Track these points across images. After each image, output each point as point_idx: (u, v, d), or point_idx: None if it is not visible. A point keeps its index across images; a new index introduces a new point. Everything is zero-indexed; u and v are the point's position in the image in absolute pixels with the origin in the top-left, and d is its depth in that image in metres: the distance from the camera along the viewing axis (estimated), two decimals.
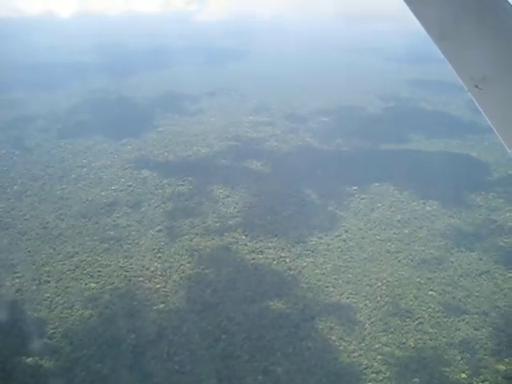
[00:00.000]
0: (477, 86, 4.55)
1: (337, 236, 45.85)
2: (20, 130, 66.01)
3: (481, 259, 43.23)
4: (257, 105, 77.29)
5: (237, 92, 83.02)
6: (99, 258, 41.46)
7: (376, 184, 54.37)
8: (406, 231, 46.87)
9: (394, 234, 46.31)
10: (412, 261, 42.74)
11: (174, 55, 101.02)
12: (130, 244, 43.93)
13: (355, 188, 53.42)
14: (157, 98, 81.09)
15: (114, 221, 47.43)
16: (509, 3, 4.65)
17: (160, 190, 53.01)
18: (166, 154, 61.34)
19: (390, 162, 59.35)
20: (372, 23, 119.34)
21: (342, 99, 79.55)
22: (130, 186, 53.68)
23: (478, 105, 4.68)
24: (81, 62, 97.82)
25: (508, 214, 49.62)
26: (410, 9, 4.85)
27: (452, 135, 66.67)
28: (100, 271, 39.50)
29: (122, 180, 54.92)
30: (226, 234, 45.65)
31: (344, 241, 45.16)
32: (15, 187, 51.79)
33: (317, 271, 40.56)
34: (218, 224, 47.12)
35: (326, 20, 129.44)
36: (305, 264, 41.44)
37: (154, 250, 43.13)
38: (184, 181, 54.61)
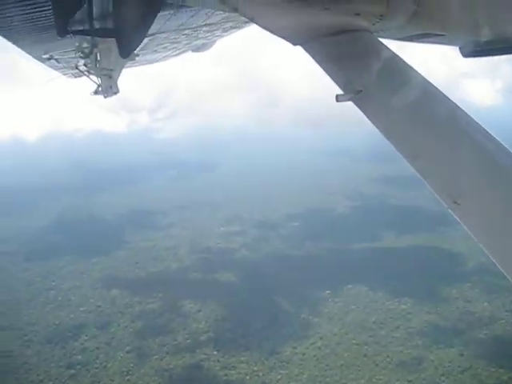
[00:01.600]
0: (455, 202, 4.60)
1: (312, 344, 44.75)
2: None
3: (462, 355, 42.35)
4: (228, 215, 77.93)
5: (208, 204, 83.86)
6: None
7: (349, 286, 53.95)
8: (383, 332, 45.98)
9: (370, 336, 45.36)
10: (390, 363, 41.59)
11: (142, 171, 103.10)
12: (97, 368, 42.20)
13: (328, 292, 52.87)
14: (127, 214, 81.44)
15: (81, 344, 45.86)
16: (476, 122, 4.85)
17: (130, 309, 51.85)
18: (136, 271, 60.67)
19: (362, 262, 59.26)
20: (332, 127, 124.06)
21: (310, 202, 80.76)
22: (99, 306, 52.48)
23: (457, 218, 4.69)
24: (50, 182, 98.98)
25: (485, 304, 49.12)
26: (380, 130, 5.11)
27: (422, 229, 67.25)
28: None
29: (91, 301, 53.74)
30: (197, 350, 44.28)
31: (319, 348, 44.03)
32: None
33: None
34: (189, 341, 45.82)
35: (286, 127, 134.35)
36: (279, 377, 40.05)
37: (122, 372, 41.43)
38: (154, 298, 53.67)
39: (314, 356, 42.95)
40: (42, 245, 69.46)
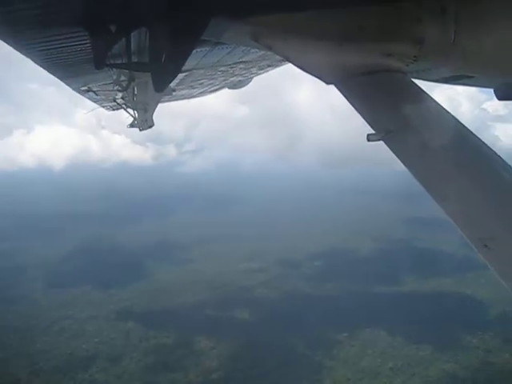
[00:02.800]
0: (486, 246, 4.40)
1: None
2: (7, 280, 65.79)
3: None
4: (249, 251, 77.39)
5: (229, 239, 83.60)
6: None
7: (367, 329, 52.65)
8: (398, 380, 44.59)
9: (385, 383, 43.94)
10: None
11: (166, 204, 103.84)
12: None
13: (345, 335, 51.65)
14: (149, 246, 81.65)
15: (91, 376, 45.51)
16: (508, 165, 4.80)
17: (143, 343, 51.43)
18: (152, 304, 60.33)
19: (382, 305, 57.90)
20: (359, 167, 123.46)
21: (335, 242, 79.83)
22: (112, 338, 52.20)
23: (488, 263, 4.50)
24: (74, 211, 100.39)
25: (507, 355, 47.29)
26: (410, 171, 5.01)
27: (446, 273, 65.69)
28: None
29: (106, 332, 53.52)
30: None
31: None
32: None
33: None
34: (199, 378, 45.10)
35: (312, 165, 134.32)
36: None
37: None
38: (169, 332, 53.21)
39: None
40: (62, 273, 70.09)
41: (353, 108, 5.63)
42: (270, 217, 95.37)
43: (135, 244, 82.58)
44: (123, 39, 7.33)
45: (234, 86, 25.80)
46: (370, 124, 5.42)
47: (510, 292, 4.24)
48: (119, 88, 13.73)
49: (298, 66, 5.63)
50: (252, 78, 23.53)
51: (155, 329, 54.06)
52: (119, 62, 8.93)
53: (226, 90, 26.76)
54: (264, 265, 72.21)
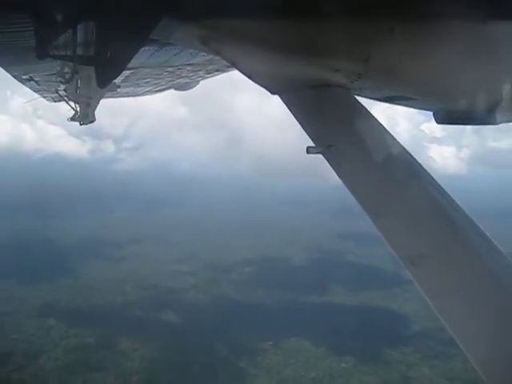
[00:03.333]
0: (413, 264, 4.64)
1: None
2: None
3: None
4: (182, 254, 76.45)
5: (163, 240, 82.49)
6: None
7: (292, 338, 52.94)
8: None
9: None
10: None
11: (101, 200, 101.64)
12: None
13: (270, 343, 51.77)
14: (80, 242, 79.66)
15: (5, 374, 43.63)
16: (440, 186, 5.00)
17: (64, 341, 49.92)
18: (78, 302, 58.78)
19: (309, 315, 58.40)
20: (296, 178, 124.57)
21: (267, 249, 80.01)
22: (32, 335, 50.38)
23: (414, 280, 4.66)
24: (5, 201, 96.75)
25: (425, 370, 48.51)
26: (346, 186, 5.19)
27: (374, 287, 66.92)
28: None
29: (25, 328, 51.61)
30: None
31: None
32: None
33: None
34: (119, 380, 44.09)
35: (248, 173, 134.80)
36: None
37: None
38: (92, 331, 51.82)
39: None
40: None
41: (294, 119, 5.70)
42: (203, 220, 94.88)
43: (66, 239, 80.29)
44: (69, 30, 7.16)
45: (180, 88, 25.71)
46: (310, 137, 5.54)
47: (433, 309, 4.51)
48: (62, 80, 13.48)
49: (244, 74, 5.61)
50: (199, 81, 23.42)
51: (78, 327, 52.55)
52: (64, 53, 8.76)
53: (171, 91, 26.56)
54: (194, 268, 71.68)
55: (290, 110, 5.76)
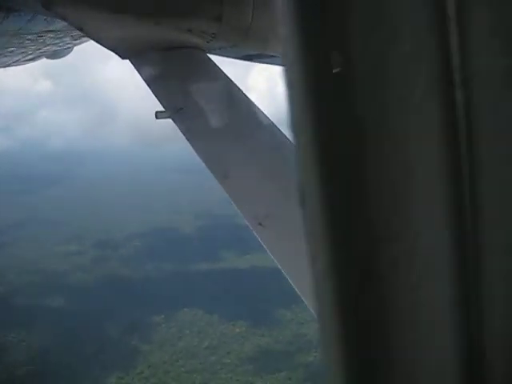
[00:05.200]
0: (260, 224, 4.61)
1: (138, 374, 42.86)
2: None
3: (290, 379, 42.63)
4: (68, 234, 73.34)
5: (48, 222, 78.59)
6: None
7: (185, 309, 52.73)
8: (213, 358, 45.18)
9: (201, 363, 44.39)
10: None
11: None
12: None
13: (162, 317, 51.23)
14: None
15: None
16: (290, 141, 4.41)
17: None
18: None
19: (201, 284, 58.30)
20: (182, 145, 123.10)
21: (155, 221, 78.62)
22: None
23: (261, 241, 4.73)
24: None
25: (316, 326, 49.72)
26: (194, 149, 5.00)
27: (263, 249, 67.47)
28: None
29: None
30: None
31: (146, 378, 42.28)
32: None
33: None
34: (3, 375, 41.96)
35: (125, 144, 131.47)
36: None
37: None
38: None
39: None
40: None
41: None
42: (88, 197, 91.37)
43: None
44: None
45: (51, 56, 23.69)
46: (160, 101, 5.38)
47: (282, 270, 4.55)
48: None
49: (93, 39, 5.40)
50: (71, 47, 21.81)
51: None
52: None
53: (48, 61, 24.67)
54: (81, 247, 69.18)
55: (141, 75, 5.58)
